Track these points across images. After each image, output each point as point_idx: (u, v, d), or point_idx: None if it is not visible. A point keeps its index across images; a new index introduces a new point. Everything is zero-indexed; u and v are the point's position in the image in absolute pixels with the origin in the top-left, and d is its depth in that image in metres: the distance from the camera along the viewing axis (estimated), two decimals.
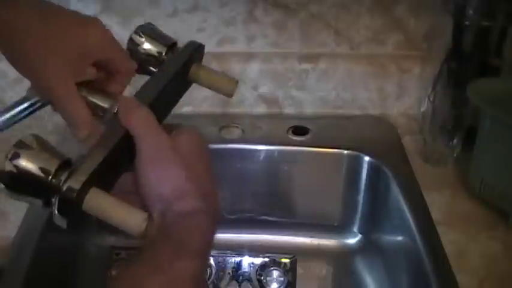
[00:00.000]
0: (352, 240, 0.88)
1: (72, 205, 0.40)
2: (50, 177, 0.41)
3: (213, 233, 0.43)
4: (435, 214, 0.71)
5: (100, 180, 0.42)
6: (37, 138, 0.44)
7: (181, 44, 0.87)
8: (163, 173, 0.42)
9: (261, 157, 0.84)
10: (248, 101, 0.92)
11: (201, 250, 0.41)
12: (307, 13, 0.87)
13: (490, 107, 0.68)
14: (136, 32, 0.54)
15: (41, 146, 0.43)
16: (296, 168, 0.85)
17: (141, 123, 0.44)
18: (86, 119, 0.47)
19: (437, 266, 0.64)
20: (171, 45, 0.55)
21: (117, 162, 0.44)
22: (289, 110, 0.93)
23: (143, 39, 0.54)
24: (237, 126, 0.88)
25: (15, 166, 0.41)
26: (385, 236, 0.82)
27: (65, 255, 0.78)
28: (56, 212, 0.41)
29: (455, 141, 0.79)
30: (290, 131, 0.87)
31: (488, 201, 0.72)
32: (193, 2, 0.86)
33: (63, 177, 0.41)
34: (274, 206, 0.88)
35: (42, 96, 0.49)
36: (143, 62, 0.54)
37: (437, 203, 0.74)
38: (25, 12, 0.45)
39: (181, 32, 0.89)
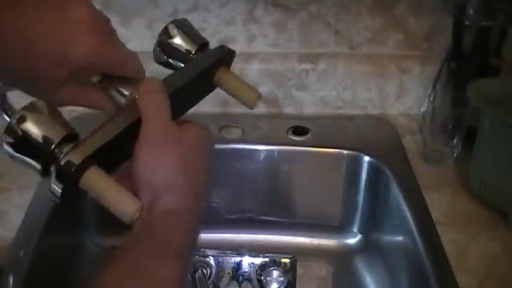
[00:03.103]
0: (352, 240, 0.88)
1: (69, 179, 0.40)
2: (53, 146, 0.40)
3: (198, 234, 0.42)
4: (435, 214, 0.71)
5: (103, 160, 0.41)
6: (50, 106, 0.43)
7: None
8: (158, 160, 0.41)
9: (261, 157, 0.84)
10: None
11: (185, 252, 0.39)
12: (307, 13, 0.87)
13: (490, 107, 0.68)
14: (171, 24, 0.53)
15: (51, 114, 0.42)
16: (296, 168, 0.85)
17: (152, 106, 0.43)
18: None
19: (437, 266, 0.64)
20: (201, 45, 0.54)
21: (124, 146, 0.42)
22: (289, 110, 0.93)
23: (176, 33, 0.53)
24: (237, 126, 0.88)
25: (21, 129, 0.40)
26: (385, 236, 0.82)
27: (65, 255, 0.78)
28: (52, 183, 0.40)
29: (455, 141, 0.79)
30: (290, 131, 0.87)
31: (488, 201, 0.72)
32: (193, 2, 0.86)
33: (65, 150, 0.40)
34: (274, 206, 0.88)
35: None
36: (170, 55, 0.53)
37: (437, 203, 0.74)
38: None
39: None
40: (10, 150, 0.40)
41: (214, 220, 0.88)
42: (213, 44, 0.89)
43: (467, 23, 0.77)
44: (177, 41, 0.53)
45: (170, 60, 0.53)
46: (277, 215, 0.89)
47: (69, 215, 0.79)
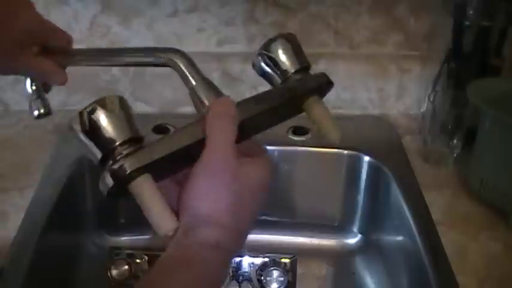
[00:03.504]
0: (352, 240, 0.88)
1: (119, 181, 0.41)
2: (115, 145, 0.41)
3: (227, 270, 0.42)
4: (435, 214, 0.71)
5: (155, 169, 0.41)
6: (121, 101, 0.43)
7: (183, 43, 0.87)
8: (210, 190, 0.40)
9: None
10: None
11: (217, 284, 0.39)
12: (307, 13, 0.87)
13: (490, 107, 0.68)
14: (280, 38, 0.52)
15: (121, 112, 0.43)
16: (296, 168, 0.85)
17: (219, 133, 0.41)
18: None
19: (437, 266, 0.64)
20: (301, 68, 0.52)
21: (181, 162, 0.43)
22: None
23: (281, 48, 0.52)
24: None
25: (89, 119, 0.41)
26: (385, 236, 0.82)
27: (65, 255, 0.78)
28: (105, 177, 0.41)
29: (455, 141, 0.79)
30: (290, 131, 0.87)
31: (488, 201, 0.72)
32: (193, 2, 0.86)
33: (125, 152, 0.41)
34: (274, 206, 0.88)
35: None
36: (269, 67, 0.53)
37: (437, 203, 0.74)
38: None
39: (181, 32, 0.89)
40: (78, 131, 0.42)
41: None
42: (213, 44, 0.89)
43: (467, 23, 0.77)
44: (280, 56, 0.52)
45: (267, 71, 0.53)
46: (277, 215, 0.89)
47: (69, 215, 0.79)
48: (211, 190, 0.40)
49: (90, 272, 0.80)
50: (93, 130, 0.41)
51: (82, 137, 0.42)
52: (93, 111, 0.41)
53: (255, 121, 0.47)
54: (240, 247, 0.42)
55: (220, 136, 0.41)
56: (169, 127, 0.86)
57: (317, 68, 0.89)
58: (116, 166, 0.40)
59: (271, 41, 0.52)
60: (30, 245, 0.67)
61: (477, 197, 0.73)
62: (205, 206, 0.40)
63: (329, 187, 0.86)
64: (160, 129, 0.86)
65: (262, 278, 0.75)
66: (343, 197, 0.86)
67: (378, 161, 0.81)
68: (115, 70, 0.90)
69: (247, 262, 0.76)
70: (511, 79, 0.79)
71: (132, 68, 0.89)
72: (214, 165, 0.40)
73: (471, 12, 0.76)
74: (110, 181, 0.40)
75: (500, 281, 0.63)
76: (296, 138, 0.86)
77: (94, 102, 0.41)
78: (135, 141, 0.42)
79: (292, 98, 0.50)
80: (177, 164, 0.44)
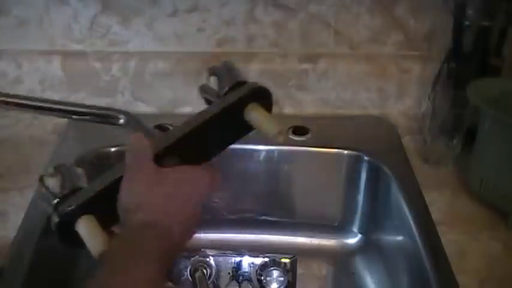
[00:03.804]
0: (352, 240, 0.88)
1: (62, 225, 0.52)
2: (57, 200, 0.53)
3: (175, 244, 0.49)
4: (435, 214, 0.71)
5: (93, 208, 0.52)
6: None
7: (183, 43, 0.87)
8: (132, 187, 0.50)
9: (261, 157, 0.84)
10: None
11: (154, 257, 0.46)
12: (307, 13, 0.87)
13: (490, 107, 0.68)
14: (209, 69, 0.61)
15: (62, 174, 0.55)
16: (296, 168, 0.85)
17: (133, 154, 0.53)
18: None
19: (437, 266, 0.64)
20: (235, 84, 0.58)
21: (113, 195, 0.52)
22: (289, 110, 0.93)
23: (214, 78, 0.60)
24: None
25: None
26: (385, 236, 0.82)
27: (65, 255, 0.77)
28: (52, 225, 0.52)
29: (455, 141, 0.79)
30: (290, 131, 0.87)
31: (488, 201, 0.72)
32: (193, 2, 0.86)
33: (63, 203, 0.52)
34: (274, 206, 0.88)
35: None
36: (207, 94, 0.60)
37: (437, 203, 0.74)
38: None
39: (181, 32, 0.89)
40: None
41: (214, 220, 0.88)
42: (213, 44, 0.89)
43: (467, 23, 0.77)
44: (214, 84, 0.59)
45: (210, 99, 0.59)
46: (277, 215, 0.89)
47: None
48: (133, 187, 0.50)
49: (90, 272, 0.80)
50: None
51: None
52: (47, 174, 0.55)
53: (203, 135, 0.55)
54: (172, 223, 0.49)
55: (134, 153, 0.53)
56: (169, 127, 0.86)
57: (317, 67, 0.90)
58: (57, 211, 0.52)
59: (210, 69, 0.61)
60: (30, 245, 0.67)
61: (477, 197, 0.73)
62: (131, 199, 0.50)
63: (329, 187, 0.86)
64: (161, 129, 0.86)
65: (262, 278, 0.75)
66: (343, 197, 0.86)
67: (378, 161, 0.81)
68: (115, 70, 0.90)
69: (247, 262, 0.76)
70: (511, 79, 0.79)
71: (132, 68, 0.89)
72: (132, 170, 0.51)
73: (471, 12, 0.76)
74: (55, 219, 0.52)
75: (501, 281, 0.63)
76: (296, 138, 0.86)
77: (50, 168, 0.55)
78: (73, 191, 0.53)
79: (226, 109, 0.55)
80: (112, 198, 0.52)
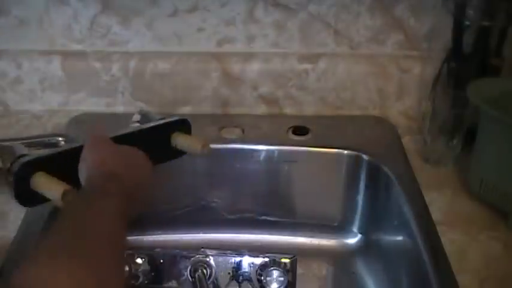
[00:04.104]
0: (352, 240, 0.88)
1: (18, 181, 0.56)
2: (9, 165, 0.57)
3: (125, 195, 0.53)
4: (435, 214, 0.71)
5: (47, 168, 0.57)
6: None
7: (183, 43, 0.87)
8: (89, 154, 0.59)
9: (261, 157, 0.84)
10: (248, 101, 0.92)
11: (114, 207, 0.51)
12: (307, 13, 0.87)
13: (490, 107, 0.68)
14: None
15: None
16: (296, 168, 0.85)
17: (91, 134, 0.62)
18: None
19: (437, 266, 0.64)
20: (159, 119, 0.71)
21: (69, 160, 0.59)
22: (289, 110, 0.93)
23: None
24: (237, 126, 0.88)
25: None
26: (385, 236, 0.82)
27: None
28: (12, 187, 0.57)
29: (455, 141, 0.79)
30: (290, 131, 0.87)
31: (488, 201, 0.72)
32: (193, 2, 0.86)
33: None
34: (274, 206, 0.88)
35: None
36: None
37: (437, 203, 0.74)
38: None
39: (181, 32, 0.89)
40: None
41: (214, 220, 0.88)
42: (213, 44, 0.89)
43: (467, 23, 0.77)
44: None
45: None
46: (277, 215, 0.89)
47: None
48: (96, 148, 0.59)
49: None
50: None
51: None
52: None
53: (136, 142, 0.64)
54: (136, 185, 0.57)
55: (94, 131, 0.63)
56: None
57: (317, 68, 0.90)
58: (13, 170, 0.56)
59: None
60: (30, 245, 0.67)
61: (477, 197, 0.73)
62: (96, 154, 0.58)
63: (329, 187, 0.86)
64: None
65: (262, 278, 0.75)
66: (343, 197, 0.86)
67: (378, 161, 0.81)
68: (115, 70, 0.90)
69: (247, 262, 0.76)
70: (511, 79, 0.79)
71: (132, 68, 0.89)
72: (94, 138, 0.61)
73: (471, 12, 0.76)
74: (16, 185, 0.56)
75: (501, 281, 0.63)
76: (296, 138, 0.86)
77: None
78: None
79: (156, 127, 0.68)
80: (69, 163, 0.58)
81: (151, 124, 0.68)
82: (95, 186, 0.54)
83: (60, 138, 0.74)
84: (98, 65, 0.90)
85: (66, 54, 0.90)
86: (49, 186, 0.55)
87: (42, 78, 0.91)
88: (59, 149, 0.60)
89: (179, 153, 0.69)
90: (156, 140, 0.68)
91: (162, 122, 0.69)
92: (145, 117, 0.72)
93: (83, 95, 0.92)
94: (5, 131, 0.88)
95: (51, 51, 0.90)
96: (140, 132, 0.67)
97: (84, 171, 0.57)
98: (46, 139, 0.73)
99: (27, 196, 0.56)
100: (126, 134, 0.65)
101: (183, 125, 0.70)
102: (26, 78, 0.91)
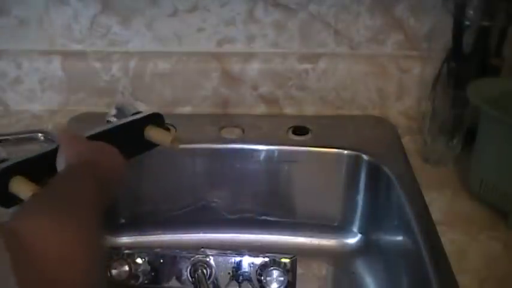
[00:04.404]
0: (352, 240, 0.88)
1: None
2: None
3: (99, 179, 0.57)
4: (435, 214, 0.71)
5: (25, 171, 0.61)
6: None
7: (183, 43, 0.87)
8: (72, 144, 0.63)
9: (261, 157, 0.84)
10: (248, 101, 0.92)
11: (94, 179, 0.56)
12: (307, 13, 0.87)
13: (490, 107, 0.68)
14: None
15: None
16: (296, 168, 0.85)
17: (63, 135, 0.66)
18: None
19: (437, 266, 0.64)
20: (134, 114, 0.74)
21: (46, 162, 0.63)
22: (289, 110, 0.93)
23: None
24: (237, 126, 0.88)
25: None
26: (385, 236, 0.82)
27: None
28: None
29: (455, 141, 0.79)
30: (290, 131, 0.87)
31: (488, 201, 0.72)
32: (193, 2, 0.86)
33: None
34: (274, 206, 0.88)
35: None
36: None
37: (437, 203, 0.74)
38: None
39: (181, 32, 0.89)
40: None
41: (214, 220, 0.88)
42: (213, 44, 0.89)
43: (467, 23, 0.77)
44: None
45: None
46: (277, 215, 0.89)
47: None
48: (71, 144, 0.63)
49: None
50: None
51: None
52: None
53: (111, 138, 0.67)
54: (109, 169, 0.62)
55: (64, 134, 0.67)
56: (170, 127, 0.86)
57: (317, 68, 0.90)
58: None
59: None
60: None
61: (477, 197, 0.73)
62: (71, 149, 0.62)
63: (329, 187, 0.86)
64: None
65: (262, 278, 0.75)
66: (343, 197, 0.86)
67: (378, 161, 0.81)
68: (115, 70, 0.90)
69: (247, 262, 0.76)
70: (511, 79, 0.79)
71: (132, 68, 0.89)
72: (67, 137, 0.65)
73: (471, 12, 0.76)
74: None
75: (501, 281, 0.63)
76: (296, 138, 0.86)
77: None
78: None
79: (130, 123, 0.72)
80: (46, 166, 0.62)
81: (125, 120, 0.72)
82: (72, 170, 0.58)
83: (40, 134, 0.80)
84: (98, 65, 0.90)
85: (66, 54, 0.90)
86: (23, 191, 0.60)
87: (42, 78, 0.91)
88: (35, 153, 0.64)
89: (152, 145, 0.73)
90: (131, 135, 0.72)
91: (135, 117, 0.73)
92: (120, 111, 0.75)
93: (83, 95, 0.92)
94: (5, 130, 0.88)
95: (51, 51, 0.90)
96: (115, 128, 0.71)
97: (62, 165, 0.61)
98: (26, 135, 0.80)
99: (5, 198, 0.61)
100: (101, 132, 0.69)
101: (156, 118, 0.74)
102: (26, 78, 0.91)
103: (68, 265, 0.42)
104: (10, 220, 0.43)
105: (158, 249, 0.77)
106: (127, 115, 0.74)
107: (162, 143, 0.72)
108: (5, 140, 0.78)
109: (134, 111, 0.75)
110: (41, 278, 0.40)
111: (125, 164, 0.65)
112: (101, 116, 0.90)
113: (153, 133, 0.73)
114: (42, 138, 0.79)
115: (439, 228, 0.69)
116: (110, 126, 0.72)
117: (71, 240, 0.44)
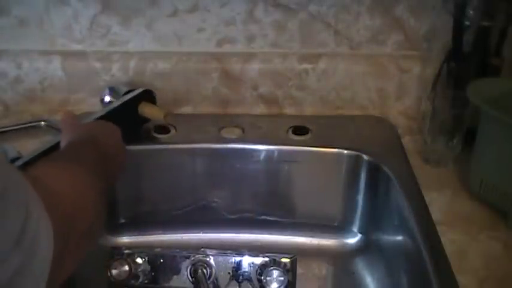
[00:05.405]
0: (352, 240, 0.88)
1: None
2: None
3: (103, 158, 0.61)
4: (435, 214, 0.71)
5: None
6: None
7: (183, 43, 0.87)
8: (75, 128, 0.67)
9: (261, 157, 0.84)
10: (248, 101, 0.92)
11: (96, 152, 0.61)
12: (307, 13, 0.87)
13: (490, 107, 0.68)
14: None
15: None
16: (296, 168, 0.85)
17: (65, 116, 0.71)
18: None
19: (437, 266, 0.64)
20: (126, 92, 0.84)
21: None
22: (289, 110, 0.93)
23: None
24: (237, 126, 0.88)
25: None
26: (385, 236, 0.82)
27: None
28: None
29: (455, 141, 0.79)
30: (290, 131, 0.87)
31: (488, 201, 0.72)
32: (193, 2, 0.86)
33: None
34: (274, 206, 0.88)
35: None
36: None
37: (437, 203, 0.74)
38: None
39: (181, 32, 0.89)
40: None
41: (214, 220, 0.88)
42: (213, 44, 0.90)
43: (467, 23, 0.77)
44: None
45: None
46: (277, 215, 0.89)
47: None
48: (74, 128, 0.67)
49: (90, 272, 0.80)
50: None
51: None
52: None
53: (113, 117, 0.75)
54: (112, 147, 0.66)
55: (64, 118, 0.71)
56: (170, 127, 0.86)
57: (317, 68, 0.90)
58: None
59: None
60: None
61: (477, 197, 0.73)
62: (68, 134, 0.66)
63: (329, 187, 0.86)
64: (161, 129, 0.86)
65: (262, 278, 0.75)
66: (343, 197, 0.86)
67: (378, 161, 0.81)
68: (115, 70, 0.90)
69: (247, 262, 0.76)
70: (511, 79, 0.79)
71: (132, 68, 0.89)
72: (71, 121, 0.70)
73: (471, 12, 0.76)
74: None
75: (501, 281, 0.63)
76: (296, 138, 0.86)
77: None
78: None
79: (125, 103, 0.80)
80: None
81: (121, 100, 0.80)
82: (75, 144, 0.62)
83: (42, 123, 0.86)
84: (98, 65, 0.90)
85: (66, 54, 0.90)
86: None
87: (42, 78, 0.91)
88: (44, 147, 0.69)
89: (146, 120, 0.82)
90: (126, 112, 0.80)
91: (129, 96, 0.80)
92: (114, 92, 0.84)
93: (83, 95, 0.92)
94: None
95: (51, 51, 0.90)
96: (114, 110, 0.78)
97: (64, 142, 0.65)
98: (29, 124, 0.85)
99: None
100: (103, 115, 0.76)
101: (148, 95, 0.82)
102: (26, 78, 0.91)
103: (81, 202, 0.49)
104: (32, 169, 0.50)
105: (158, 249, 0.77)
106: (119, 94, 0.82)
107: (155, 118, 0.81)
108: (9, 130, 0.84)
109: (126, 90, 0.83)
110: (63, 214, 0.45)
111: (124, 139, 0.69)
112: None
113: (147, 109, 0.81)
114: (44, 126, 0.86)
115: (439, 228, 0.69)
116: (108, 108, 0.78)
117: (80, 182, 0.51)
